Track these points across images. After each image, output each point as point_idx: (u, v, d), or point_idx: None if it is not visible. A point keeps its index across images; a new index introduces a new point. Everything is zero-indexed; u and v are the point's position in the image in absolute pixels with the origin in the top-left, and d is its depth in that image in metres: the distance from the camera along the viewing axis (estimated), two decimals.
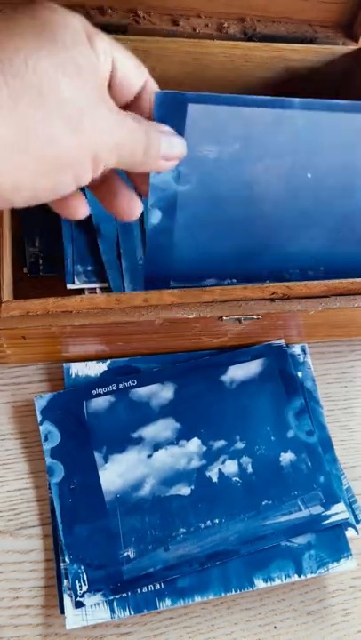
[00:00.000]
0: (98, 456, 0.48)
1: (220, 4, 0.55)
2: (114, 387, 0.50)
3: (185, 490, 0.48)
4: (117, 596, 0.44)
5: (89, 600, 0.43)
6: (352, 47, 0.58)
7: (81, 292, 0.52)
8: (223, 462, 0.49)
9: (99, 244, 0.53)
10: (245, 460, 0.49)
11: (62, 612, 0.44)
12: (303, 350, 0.55)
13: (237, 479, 0.48)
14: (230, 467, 0.49)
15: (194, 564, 0.45)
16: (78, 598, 0.43)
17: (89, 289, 0.52)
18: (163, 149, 0.33)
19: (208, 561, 0.45)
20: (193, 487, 0.48)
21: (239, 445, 0.49)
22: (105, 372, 0.52)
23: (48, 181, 0.28)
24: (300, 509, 0.47)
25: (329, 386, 0.56)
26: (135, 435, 0.49)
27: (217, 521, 0.47)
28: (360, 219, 0.48)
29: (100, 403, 0.50)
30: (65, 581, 0.44)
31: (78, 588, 0.44)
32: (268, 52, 0.56)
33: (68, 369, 0.52)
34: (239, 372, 0.52)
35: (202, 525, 0.46)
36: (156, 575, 0.44)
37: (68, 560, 0.45)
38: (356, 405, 0.56)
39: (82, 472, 0.47)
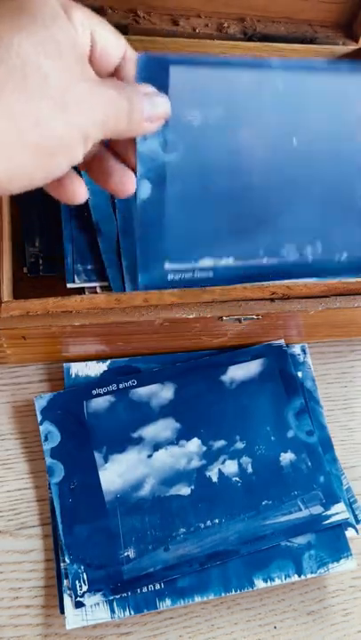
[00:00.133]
0: (98, 456, 0.48)
1: (220, 3, 0.55)
2: (114, 387, 0.50)
3: (185, 490, 0.48)
4: (117, 596, 0.44)
5: (89, 600, 0.43)
6: (352, 47, 0.58)
7: (81, 291, 0.52)
8: (223, 462, 0.49)
9: (99, 243, 0.53)
10: (245, 459, 0.49)
11: (62, 612, 0.44)
12: (303, 350, 0.55)
13: (237, 479, 0.48)
14: (230, 467, 0.49)
15: (194, 564, 0.45)
16: (78, 598, 0.43)
17: (89, 288, 0.52)
18: (146, 111, 0.33)
19: (208, 561, 0.45)
20: (193, 487, 0.48)
21: (239, 445, 0.49)
22: (105, 371, 0.52)
23: (41, 165, 0.28)
24: (300, 509, 0.47)
25: (329, 386, 0.56)
26: (135, 435, 0.49)
27: (217, 521, 0.47)
28: (351, 189, 0.47)
29: (100, 403, 0.50)
30: (65, 581, 0.44)
31: (78, 588, 0.44)
32: (268, 52, 0.56)
33: (68, 369, 0.52)
34: (239, 372, 0.52)
35: (202, 525, 0.46)
36: (156, 575, 0.44)
37: (68, 560, 0.45)
38: (357, 405, 0.56)
39: (82, 472, 0.47)
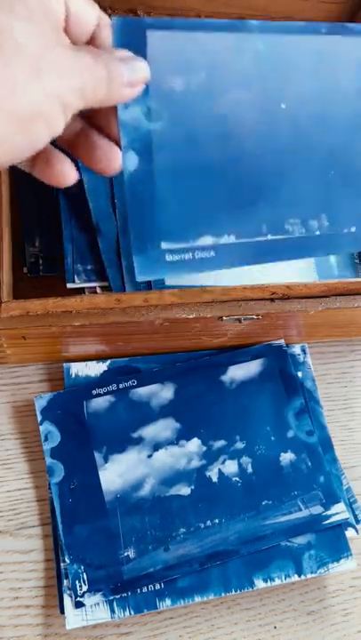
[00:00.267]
0: (98, 456, 0.48)
1: (220, 3, 0.55)
2: (114, 387, 0.50)
3: (185, 490, 0.48)
4: (117, 596, 0.44)
5: (89, 600, 0.43)
6: None
7: (81, 291, 0.52)
8: (223, 462, 0.49)
9: (99, 243, 0.53)
10: (245, 459, 0.49)
11: (62, 611, 0.44)
12: (303, 350, 0.55)
13: (237, 479, 0.48)
14: (230, 467, 0.49)
15: (194, 564, 0.45)
16: (78, 598, 0.43)
17: (89, 288, 0.52)
18: (125, 76, 0.32)
19: (208, 561, 0.45)
20: (193, 487, 0.48)
21: (239, 445, 0.49)
22: (105, 372, 0.52)
23: (22, 134, 0.28)
24: (300, 509, 0.47)
25: (329, 386, 0.56)
26: (135, 435, 0.49)
27: (217, 521, 0.47)
28: (347, 155, 0.45)
29: (100, 403, 0.50)
30: (65, 581, 0.44)
31: (78, 588, 0.44)
32: None
33: (68, 369, 0.52)
34: (239, 372, 0.52)
35: (202, 525, 0.46)
36: (156, 575, 0.44)
37: (68, 560, 0.45)
38: (357, 405, 0.56)
39: (82, 472, 0.47)
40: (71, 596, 0.44)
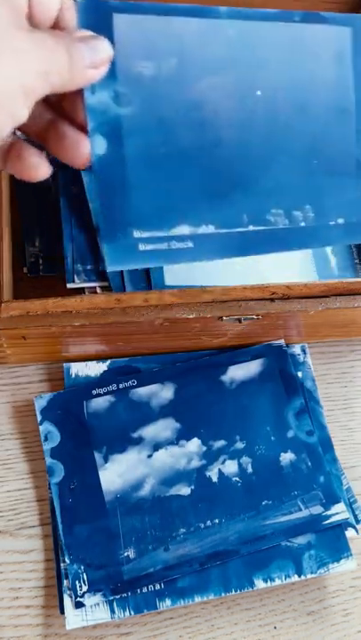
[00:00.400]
0: (98, 456, 0.48)
1: (219, 4, 0.55)
2: (114, 387, 0.50)
3: (185, 490, 0.48)
4: (117, 597, 0.44)
5: (89, 600, 0.43)
6: None
7: (81, 291, 0.52)
8: (223, 462, 0.49)
9: (99, 243, 0.53)
10: (245, 459, 0.49)
11: (62, 612, 0.44)
12: (303, 350, 0.55)
13: (237, 479, 0.48)
14: (230, 467, 0.49)
15: (194, 564, 0.45)
16: (78, 598, 0.43)
17: (89, 288, 0.52)
18: (87, 57, 0.31)
19: (208, 561, 0.45)
20: (193, 487, 0.48)
21: (239, 445, 0.49)
22: (105, 372, 0.52)
23: None
24: (300, 509, 0.47)
25: (329, 386, 0.56)
26: (135, 435, 0.49)
27: (217, 521, 0.47)
28: (331, 144, 0.44)
29: (100, 403, 0.50)
30: (65, 581, 0.44)
31: (78, 589, 0.44)
32: None
33: (68, 369, 0.52)
34: (239, 372, 0.52)
35: (202, 525, 0.46)
36: (156, 575, 0.44)
37: (68, 560, 0.45)
38: (357, 405, 0.56)
39: (82, 472, 0.47)
40: (71, 597, 0.44)
